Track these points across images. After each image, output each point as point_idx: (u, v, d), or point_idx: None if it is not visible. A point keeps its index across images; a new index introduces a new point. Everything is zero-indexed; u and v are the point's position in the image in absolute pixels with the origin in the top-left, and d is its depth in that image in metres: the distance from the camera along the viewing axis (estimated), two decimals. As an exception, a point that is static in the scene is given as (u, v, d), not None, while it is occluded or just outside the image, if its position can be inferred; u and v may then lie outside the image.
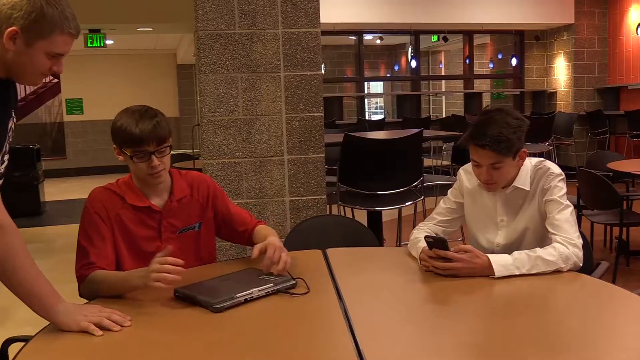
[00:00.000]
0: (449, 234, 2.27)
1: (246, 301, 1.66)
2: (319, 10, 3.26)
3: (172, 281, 1.65)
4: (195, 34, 3.21)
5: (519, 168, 2.08)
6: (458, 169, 2.29)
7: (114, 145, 1.94)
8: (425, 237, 1.94)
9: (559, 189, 2.04)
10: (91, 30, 8.24)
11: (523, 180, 2.08)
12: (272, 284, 1.74)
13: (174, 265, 1.66)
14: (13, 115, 1.72)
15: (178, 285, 1.72)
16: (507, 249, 2.05)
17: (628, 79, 9.44)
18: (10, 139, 1.72)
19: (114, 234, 1.93)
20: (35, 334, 1.53)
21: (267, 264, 1.85)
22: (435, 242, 1.90)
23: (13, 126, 1.74)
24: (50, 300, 1.57)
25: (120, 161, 1.99)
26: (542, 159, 2.13)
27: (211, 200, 2.10)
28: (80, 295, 1.84)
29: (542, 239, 2.05)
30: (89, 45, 8.38)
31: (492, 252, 2.02)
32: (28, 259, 1.58)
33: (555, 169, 2.07)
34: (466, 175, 2.22)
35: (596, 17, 9.76)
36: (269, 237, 1.99)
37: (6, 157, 1.74)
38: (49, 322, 1.57)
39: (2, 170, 1.71)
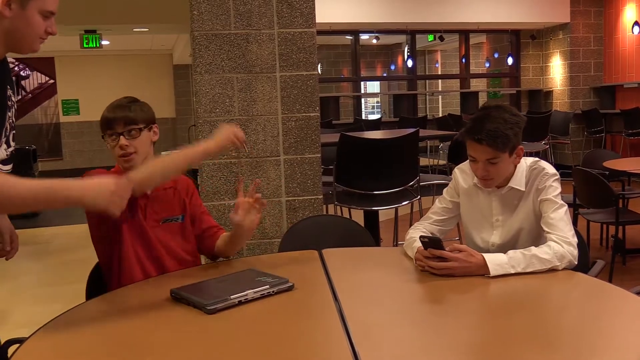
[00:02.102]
0: (445, 233, 2.27)
1: (240, 303, 1.66)
2: (314, 10, 3.26)
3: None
4: (190, 34, 3.21)
5: (515, 167, 2.09)
6: (454, 168, 2.29)
7: None
8: (420, 237, 1.95)
9: (554, 188, 2.04)
10: (87, 31, 8.22)
11: (518, 181, 2.08)
12: (267, 286, 1.73)
13: None
14: (10, 94, 1.73)
15: (175, 287, 1.72)
16: (503, 248, 2.05)
17: (624, 78, 9.46)
18: (12, 120, 1.74)
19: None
20: (30, 335, 1.53)
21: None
22: (430, 242, 1.90)
23: (14, 104, 1.76)
24: (72, 193, 1.54)
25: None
26: (537, 159, 2.14)
27: (189, 196, 2.15)
28: None
29: (537, 238, 2.06)
30: (85, 46, 8.36)
31: (488, 252, 2.02)
32: (26, 181, 1.51)
33: (550, 169, 2.08)
34: (461, 175, 2.22)
35: (592, 15, 9.78)
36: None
37: (12, 132, 1.76)
38: (43, 324, 1.57)
39: (7, 154, 1.73)
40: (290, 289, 1.77)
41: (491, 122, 1.99)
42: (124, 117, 2.02)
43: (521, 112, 2.12)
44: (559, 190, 2.06)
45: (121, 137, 2.01)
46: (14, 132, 1.78)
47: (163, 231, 2.07)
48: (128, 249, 1.99)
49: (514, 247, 2.02)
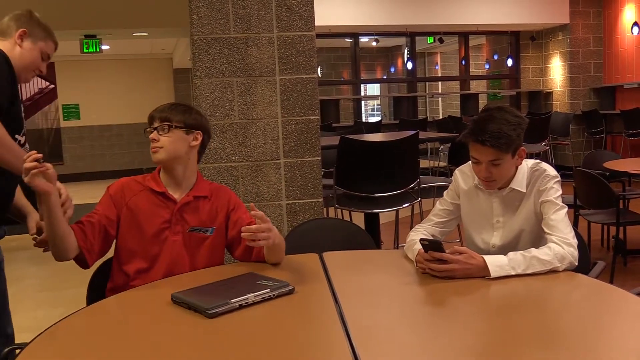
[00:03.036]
0: (446, 235, 2.28)
1: (241, 307, 1.66)
2: (313, 13, 3.27)
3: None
4: (190, 38, 3.21)
5: (517, 168, 2.09)
6: (455, 170, 2.30)
7: None
8: (420, 240, 1.95)
9: (555, 190, 2.05)
10: (87, 36, 8.24)
11: (520, 182, 2.09)
12: (268, 290, 1.73)
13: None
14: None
15: (176, 291, 1.73)
16: (503, 249, 2.05)
17: (623, 79, 9.47)
18: None
19: (121, 216, 2.04)
20: (31, 341, 1.53)
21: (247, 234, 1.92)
22: (430, 245, 1.90)
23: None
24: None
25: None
26: (538, 160, 2.14)
27: (227, 208, 2.14)
28: None
29: (538, 240, 2.06)
30: (85, 50, 8.37)
31: (488, 253, 2.03)
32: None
33: (551, 170, 2.09)
34: (462, 176, 2.22)
35: (591, 16, 9.78)
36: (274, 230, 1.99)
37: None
38: (45, 329, 1.57)
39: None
40: (291, 292, 1.77)
41: (494, 123, 1.99)
42: (161, 115, 2.08)
43: (521, 114, 2.12)
44: (560, 192, 2.06)
45: (155, 131, 2.06)
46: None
47: (186, 240, 2.06)
48: (136, 249, 2.03)
49: (514, 249, 2.02)
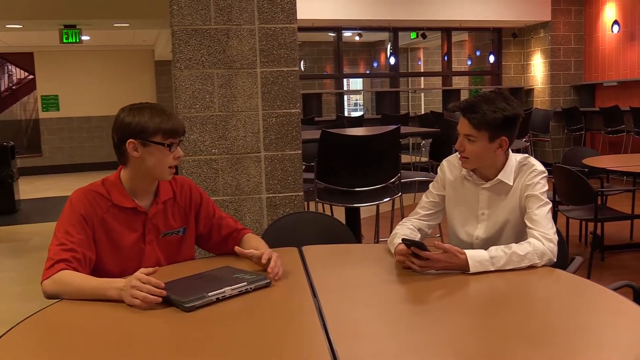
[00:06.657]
0: (432, 228, 2.27)
1: (218, 300, 1.64)
2: (295, 5, 3.24)
3: (152, 302, 1.61)
4: (170, 29, 3.17)
5: (498, 159, 2.08)
6: (436, 165, 2.29)
7: (132, 140, 1.87)
8: (403, 240, 1.93)
9: (541, 185, 2.06)
10: (67, 26, 8.12)
11: (507, 175, 2.09)
12: (245, 283, 1.72)
13: (155, 286, 1.63)
14: None
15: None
16: (486, 242, 2.06)
17: (603, 76, 9.55)
18: None
19: (95, 237, 1.90)
20: (3, 334, 1.50)
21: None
22: (412, 245, 1.88)
23: None
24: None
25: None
26: (527, 155, 2.16)
27: (194, 205, 2.09)
28: (45, 291, 1.77)
29: (521, 234, 2.06)
30: (65, 41, 8.25)
31: (471, 245, 2.02)
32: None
33: (539, 166, 2.10)
34: (449, 167, 2.22)
35: (572, 14, 9.85)
36: (263, 250, 1.95)
37: None
38: (18, 322, 1.55)
39: None
40: (268, 285, 1.76)
41: (481, 99, 2.01)
42: (183, 126, 1.96)
43: (520, 107, 2.10)
44: (546, 188, 2.07)
45: (178, 147, 1.95)
46: None
47: (160, 246, 2.02)
48: (115, 266, 1.94)
49: (498, 242, 2.03)
